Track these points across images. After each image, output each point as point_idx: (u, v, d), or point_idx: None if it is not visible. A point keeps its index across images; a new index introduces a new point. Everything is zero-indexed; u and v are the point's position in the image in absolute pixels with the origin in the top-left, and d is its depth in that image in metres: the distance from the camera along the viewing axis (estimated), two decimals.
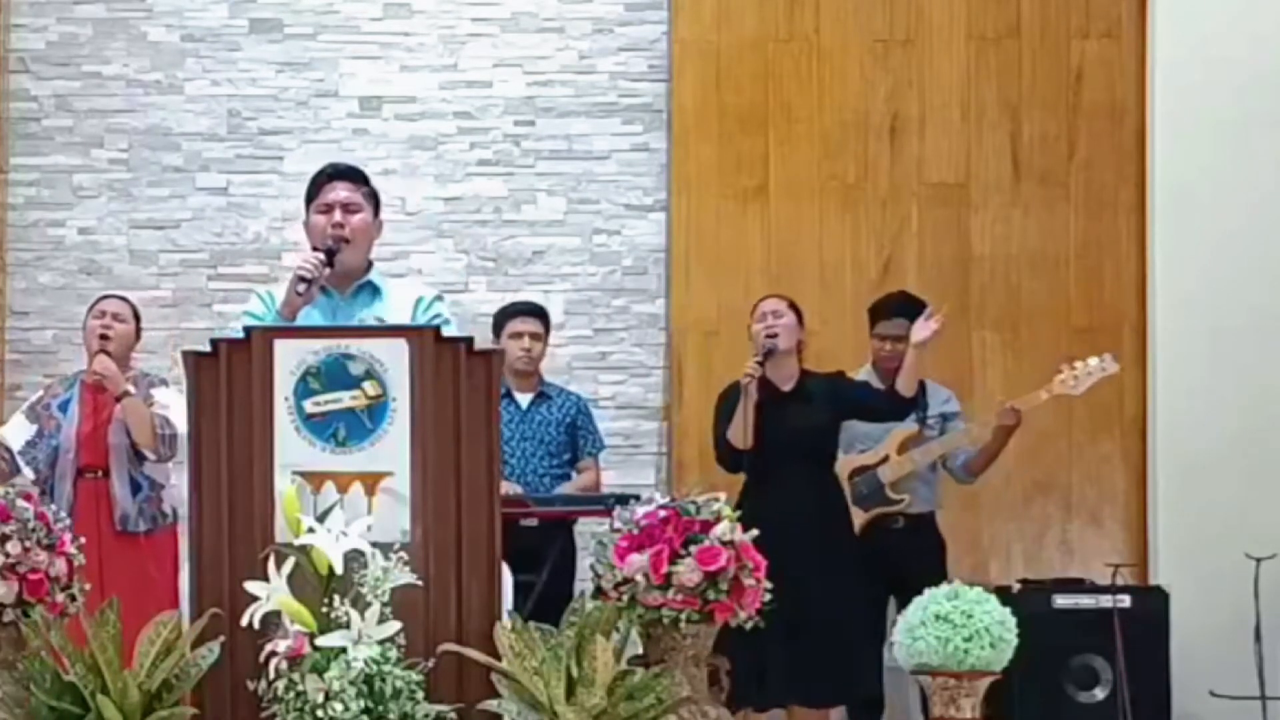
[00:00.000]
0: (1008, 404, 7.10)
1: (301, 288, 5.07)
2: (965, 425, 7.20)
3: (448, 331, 5.01)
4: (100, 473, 6.63)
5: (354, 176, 5.37)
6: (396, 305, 5.22)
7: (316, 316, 5.18)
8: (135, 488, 6.63)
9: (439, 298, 5.33)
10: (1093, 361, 7.05)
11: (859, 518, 7.02)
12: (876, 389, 7.00)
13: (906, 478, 7.09)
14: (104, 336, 6.72)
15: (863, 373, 7.18)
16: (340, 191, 5.28)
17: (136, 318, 6.92)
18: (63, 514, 6.35)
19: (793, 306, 6.93)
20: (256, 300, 5.31)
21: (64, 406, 6.73)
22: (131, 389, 6.65)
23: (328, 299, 5.23)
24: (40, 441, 6.71)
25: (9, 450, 6.77)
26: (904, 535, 7.09)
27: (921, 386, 7.00)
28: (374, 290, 5.29)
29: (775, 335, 6.80)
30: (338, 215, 5.24)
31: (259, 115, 8.10)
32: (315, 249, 5.20)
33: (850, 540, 6.85)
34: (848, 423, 6.99)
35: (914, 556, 6.96)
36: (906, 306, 7.08)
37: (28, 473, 6.72)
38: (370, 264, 5.34)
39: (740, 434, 6.69)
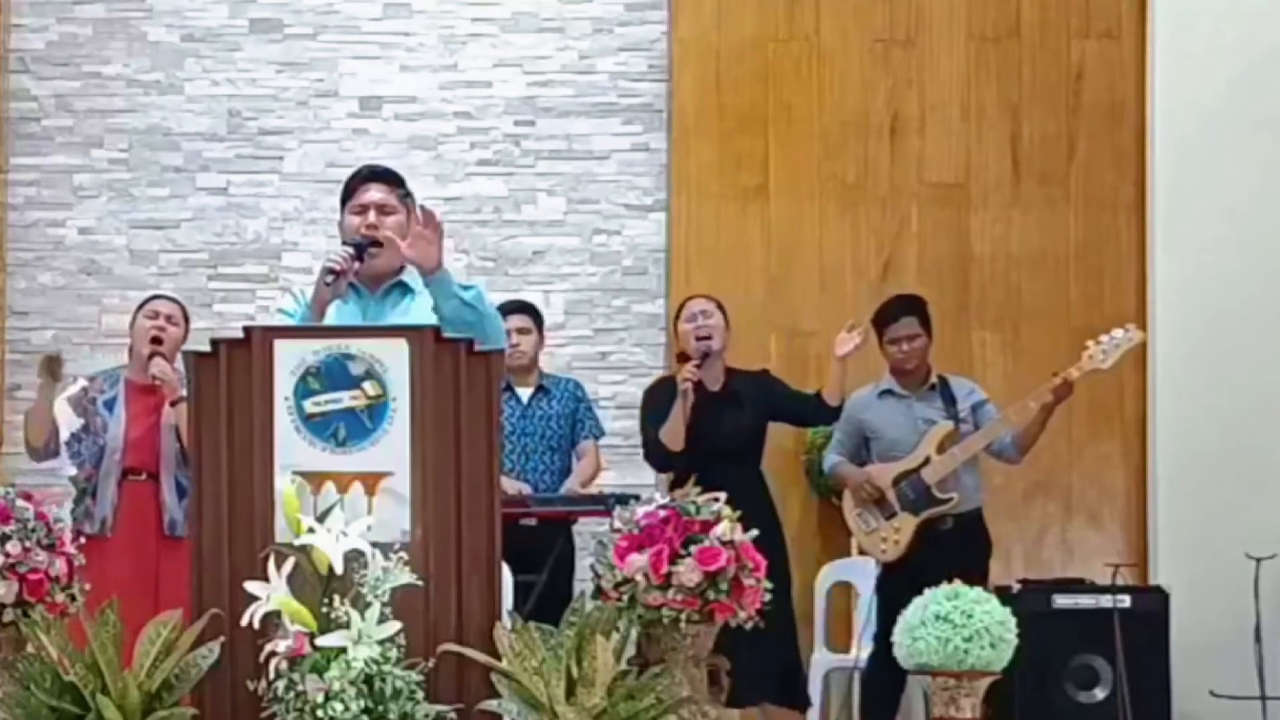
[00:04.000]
0: (1058, 376, 6.94)
1: (329, 279, 5.05)
2: (1000, 413, 7.08)
3: (480, 298, 5.07)
4: (146, 475, 6.59)
5: (390, 178, 5.34)
6: (425, 306, 5.19)
7: (349, 316, 5.16)
8: (181, 492, 6.58)
9: (468, 288, 5.29)
10: (1118, 333, 6.92)
11: (909, 525, 6.92)
12: (803, 393, 7.07)
13: (950, 476, 7.00)
14: (157, 340, 6.68)
15: (885, 382, 7.14)
16: (375, 193, 5.26)
17: (186, 320, 6.88)
18: (106, 514, 6.44)
19: (720, 306, 7.05)
20: (290, 298, 5.29)
21: (109, 405, 6.68)
22: (185, 393, 6.62)
23: (359, 299, 5.22)
24: (86, 437, 6.67)
25: (55, 433, 6.73)
26: (952, 536, 6.93)
27: (944, 382, 7.02)
28: (405, 289, 5.26)
29: (709, 337, 6.89)
30: (372, 216, 5.22)
31: (259, 115, 8.11)
32: (345, 244, 5.18)
33: (779, 540, 6.83)
34: (878, 434, 7.00)
35: (962, 558, 6.61)
36: (909, 304, 7.09)
37: (66, 463, 6.70)
38: (404, 265, 5.31)
39: (674, 435, 6.75)
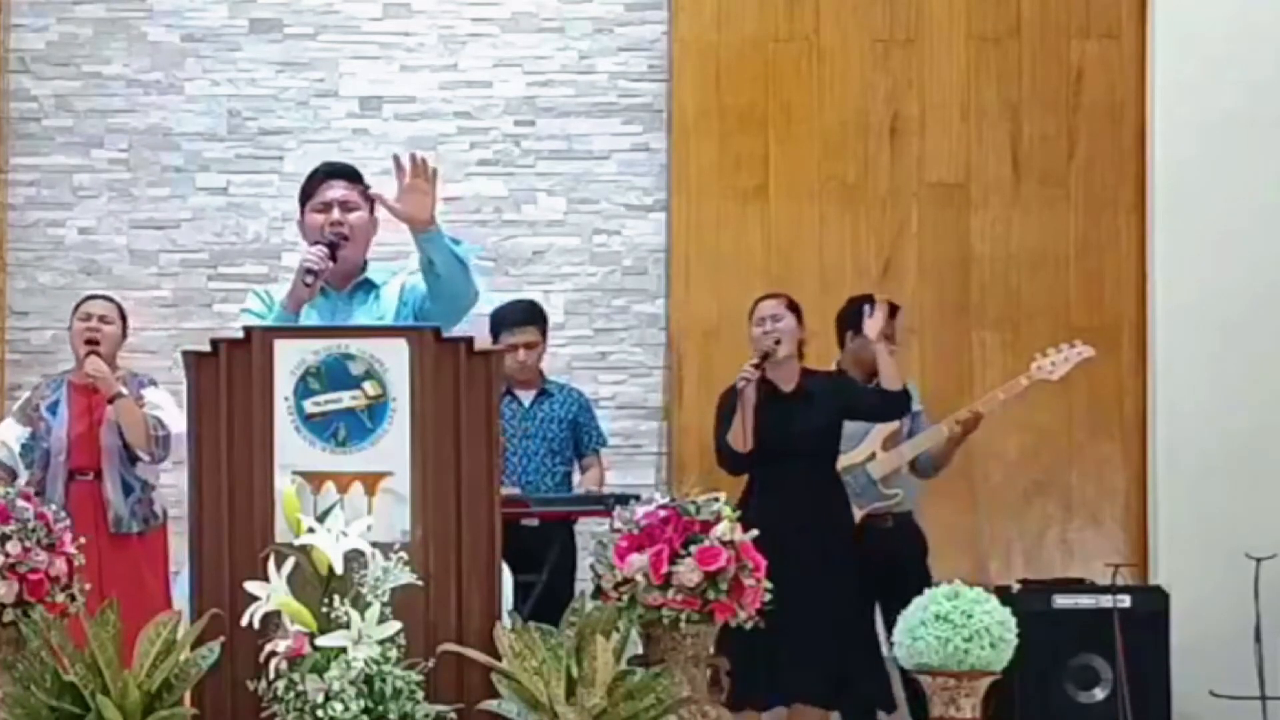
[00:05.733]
0: (967, 410, 7.09)
1: (309, 279, 5.07)
2: (940, 422, 7.18)
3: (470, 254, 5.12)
4: (92, 474, 6.63)
5: (349, 175, 5.36)
6: (390, 299, 5.24)
7: (315, 317, 5.17)
8: (127, 489, 6.62)
9: (458, 242, 5.30)
10: (1064, 348, 7.09)
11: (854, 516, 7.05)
12: (875, 389, 6.99)
13: (894, 474, 7.11)
14: (91, 341, 6.71)
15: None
16: (337, 190, 5.27)
17: (123, 318, 6.90)
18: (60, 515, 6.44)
19: (792, 306, 6.94)
20: (255, 299, 5.29)
21: (53, 408, 6.71)
22: (123, 390, 6.64)
23: (325, 299, 5.23)
24: (34, 444, 6.70)
25: (9, 452, 6.77)
26: (891, 534, 7.10)
27: None
28: (370, 287, 5.29)
29: (778, 341, 6.81)
30: (336, 213, 5.24)
31: (259, 115, 8.11)
32: (316, 243, 5.20)
33: (851, 541, 6.86)
34: None
35: (900, 557, 7.01)
36: (891, 309, 7.09)
37: (24, 475, 6.72)
38: (366, 263, 5.34)
39: (739, 437, 6.71)
